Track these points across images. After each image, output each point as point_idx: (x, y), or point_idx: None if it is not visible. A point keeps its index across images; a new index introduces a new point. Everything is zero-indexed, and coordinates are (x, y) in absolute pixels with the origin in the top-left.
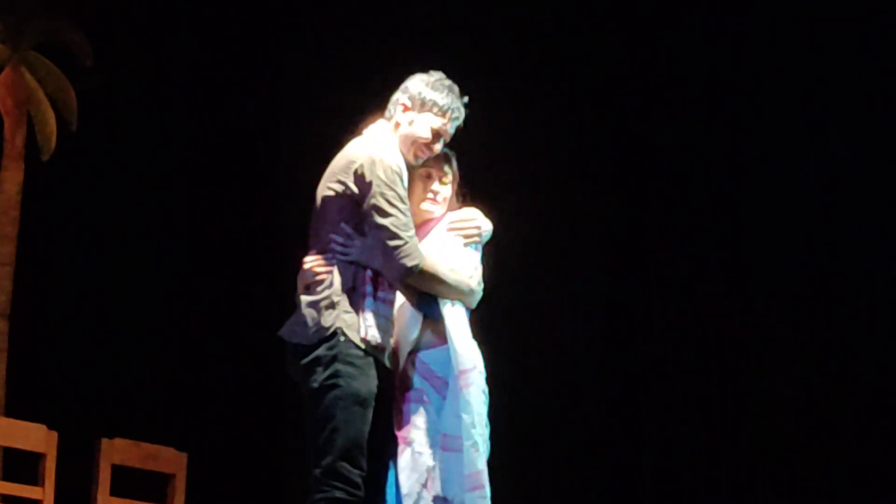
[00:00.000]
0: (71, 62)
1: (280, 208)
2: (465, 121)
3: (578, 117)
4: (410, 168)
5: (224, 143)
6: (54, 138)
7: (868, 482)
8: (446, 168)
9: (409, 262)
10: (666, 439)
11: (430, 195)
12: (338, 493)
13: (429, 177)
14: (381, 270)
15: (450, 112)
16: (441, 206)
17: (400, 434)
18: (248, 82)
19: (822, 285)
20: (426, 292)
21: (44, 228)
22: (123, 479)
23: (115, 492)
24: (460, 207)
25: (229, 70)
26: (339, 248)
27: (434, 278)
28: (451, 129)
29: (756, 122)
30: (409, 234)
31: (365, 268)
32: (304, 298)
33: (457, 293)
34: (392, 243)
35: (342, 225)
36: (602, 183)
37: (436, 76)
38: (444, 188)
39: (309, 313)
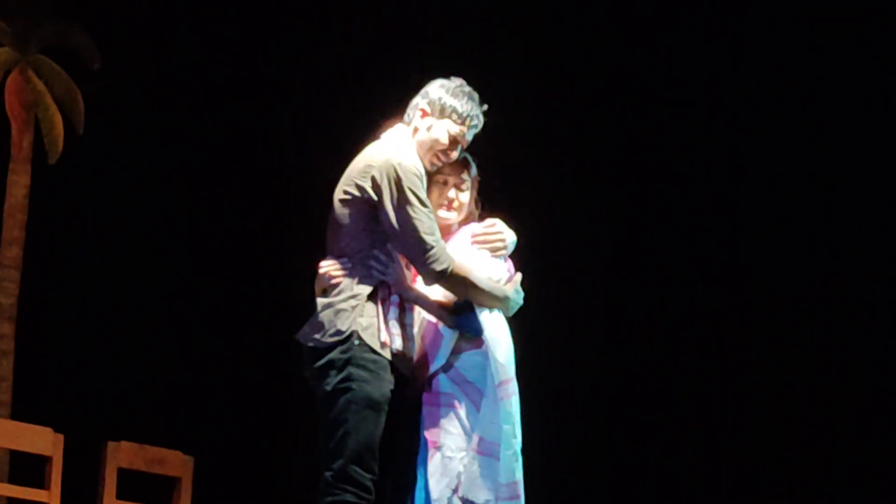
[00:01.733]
0: (78, 66)
1: (289, 212)
2: (483, 127)
3: (584, 122)
4: (427, 174)
5: (232, 146)
6: (61, 141)
7: (868, 482)
8: (464, 175)
9: (439, 267)
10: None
11: (446, 202)
12: (348, 497)
13: (445, 184)
14: (400, 288)
15: (469, 119)
16: (458, 213)
17: (430, 438)
18: (256, 86)
19: (821, 285)
20: (460, 309)
21: (51, 231)
22: (129, 483)
23: (121, 495)
24: (479, 213)
25: (237, 73)
26: (378, 268)
27: (466, 282)
28: (469, 136)
29: (755, 122)
30: (434, 237)
31: None
32: (321, 301)
33: (491, 298)
34: (419, 248)
35: (388, 246)
36: (606, 187)
37: (456, 82)
38: (462, 195)
39: (325, 316)
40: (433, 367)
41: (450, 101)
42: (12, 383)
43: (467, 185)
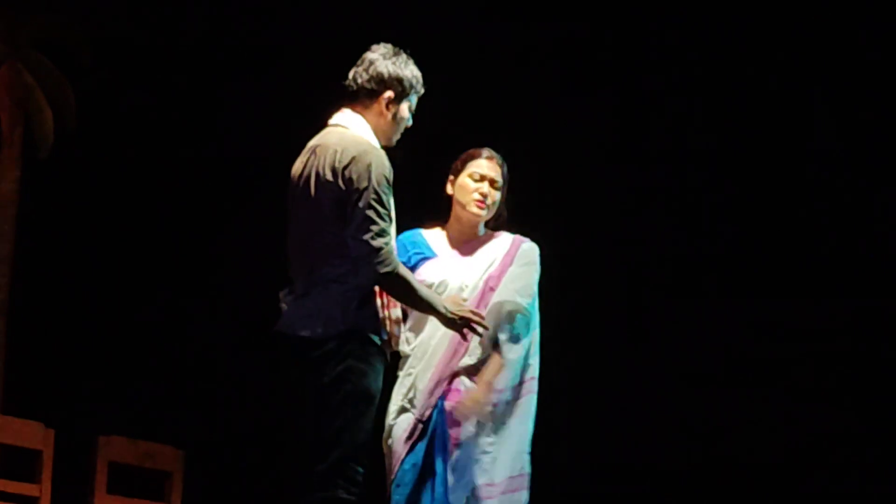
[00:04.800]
0: (69, 61)
1: (276, 206)
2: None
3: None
4: (460, 169)
5: (221, 142)
6: (52, 136)
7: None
8: (498, 174)
9: (382, 269)
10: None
11: (478, 196)
12: (341, 493)
13: (482, 179)
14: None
15: (421, 87)
16: (489, 211)
17: (452, 434)
18: (244, 81)
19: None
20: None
21: (41, 226)
22: (120, 477)
23: (112, 489)
24: (506, 217)
25: (227, 69)
26: None
27: (406, 286)
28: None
29: (755, 122)
30: (384, 240)
31: None
32: (316, 293)
33: (426, 306)
34: (369, 246)
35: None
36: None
37: (395, 51)
38: (496, 193)
39: (322, 308)
40: (457, 366)
41: (408, 78)
42: (3, 378)
43: (499, 184)
